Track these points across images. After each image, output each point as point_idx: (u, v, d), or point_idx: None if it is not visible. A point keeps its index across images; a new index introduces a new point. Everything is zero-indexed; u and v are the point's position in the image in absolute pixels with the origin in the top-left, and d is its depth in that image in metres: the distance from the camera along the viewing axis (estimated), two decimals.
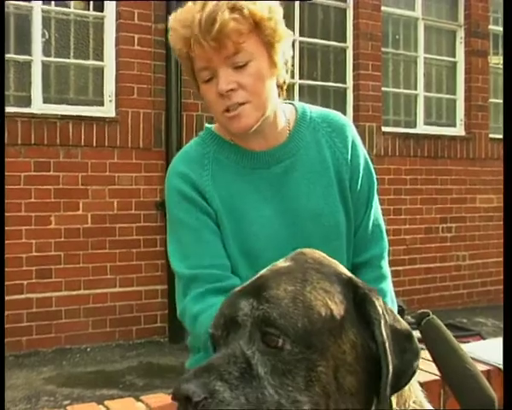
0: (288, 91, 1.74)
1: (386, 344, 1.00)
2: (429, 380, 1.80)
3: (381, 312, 1.03)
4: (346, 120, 1.79)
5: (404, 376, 1.02)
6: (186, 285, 1.61)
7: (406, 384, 1.05)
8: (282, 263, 1.10)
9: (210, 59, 1.55)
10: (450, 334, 1.43)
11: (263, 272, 1.10)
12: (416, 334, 1.16)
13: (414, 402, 1.11)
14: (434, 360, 1.43)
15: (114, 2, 5.76)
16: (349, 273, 1.11)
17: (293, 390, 0.96)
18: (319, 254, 1.13)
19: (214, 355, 1.02)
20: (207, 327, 1.39)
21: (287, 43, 1.65)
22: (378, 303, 1.04)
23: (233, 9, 1.53)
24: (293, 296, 1.01)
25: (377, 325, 1.01)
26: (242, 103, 1.57)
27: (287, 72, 1.69)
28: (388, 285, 1.74)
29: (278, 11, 1.62)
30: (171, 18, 1.62)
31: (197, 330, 1.56)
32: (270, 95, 1.62)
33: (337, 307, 1.02)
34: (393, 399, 1.05)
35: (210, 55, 1.54)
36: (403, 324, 1.07)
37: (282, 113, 1.71)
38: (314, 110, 1.78)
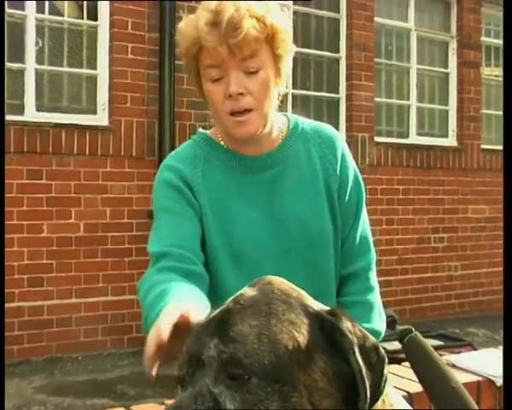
0: (281, 101, 1.76)
1: (363, 371, 0.99)
2: (420, 391, 1.80)
3: (351, 338, 1.01)
4: (336, 132, 1.81)
5: (378, 386, 1.02)
6: (154, 261, 1.58)
7: (382, 393, 1.04)
8: (248, 292, 1.07)
9: (223, 61, 1.56)
10: (433, 350, 1.43)
11: (227, 304, 1.06)
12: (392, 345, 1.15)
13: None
14: (417, 377, 1.43)
15: (108, 11, 5.76)
16: (316, 306, 1.09)
17: None
18: (287, 284, 1.11)
19: (181, 395, 1.00)
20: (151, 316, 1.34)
21: (291, 57, 1.68)
22: (347, 329, 1.02)
23: (253, 17, 1.55)
24: (258, 332, 0.99)
25: (351, 353, 1.00)
26: (248, 110, 1.59)
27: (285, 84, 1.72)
28: (375, 297, 1.74)
29: (290, 23, 1.65)
30: (183, 20, 1.63)
31: (144, 310, 1.48)
32: (272, 105, 1.65)
33: (304, 339, 1.01)
34: None
35: (224, 57, 1.55)
36: (370, 338, 1.06)
37: (276, 122, 1.73)
38: (306, 122, 1.80)
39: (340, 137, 1.80)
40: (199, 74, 1.65)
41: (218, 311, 1.06)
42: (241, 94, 1.57)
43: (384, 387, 1.03)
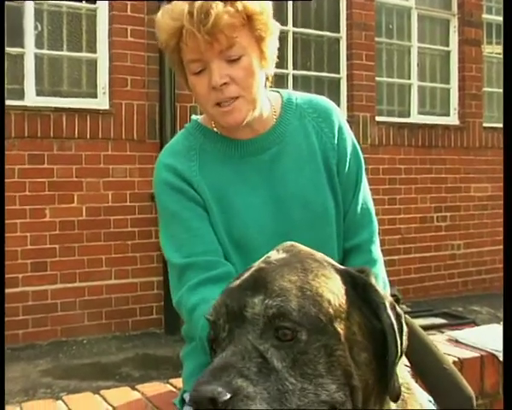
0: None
1: (395, 326, 1.02)
2: None
3: (382, 295, 1.05)
4: (332, 104, 1.80)
5: (401, 342, 1.05)
6: (180, 274, 1.60)
7: (405, 349, 1.06)
8: (275, 255, 1.09)
9: (202, 52, 1.54)
10: (424, 333, 1.43)
11: (259, 264, 1.07)
12: None
13: (401, 385, 1.12)
14: (409, 360, 1.43)
15: None
16: (339, 265, 1.12)
17: (316, 377, 0.96)
18: (307, 248, 1.13)
19: (222, 355, 0.99)
20: (204, 322, 1.37)
21: (276, 36, 1.66)
22: (376, 284, 1.06)
23: (226, 2, 1.53)
24: (299, 286, 1.00)
25: (383, 308, 1.03)
26: (235, 98, 1.57)
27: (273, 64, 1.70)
28: (379, 269, 1.73)
29: (269, 5, 1.62)
30: (160, 11, 1.61)
31: (194, 324, 1.55)
32: (259, 88, 1.63)
33: (341, 292, 1.03)
34: None
35: (203, 48, 1.54)
36: (388, 296, 1.08)
37: (268, 101, 1.72)
38: (300, 96, 1.79)
39: (335, 108, 1.78)
40: (183, 66, 1.63)
41: (249, 272, 1.07)
42: (225, 84, 1.55)
43: (406, 342, 1.06)
